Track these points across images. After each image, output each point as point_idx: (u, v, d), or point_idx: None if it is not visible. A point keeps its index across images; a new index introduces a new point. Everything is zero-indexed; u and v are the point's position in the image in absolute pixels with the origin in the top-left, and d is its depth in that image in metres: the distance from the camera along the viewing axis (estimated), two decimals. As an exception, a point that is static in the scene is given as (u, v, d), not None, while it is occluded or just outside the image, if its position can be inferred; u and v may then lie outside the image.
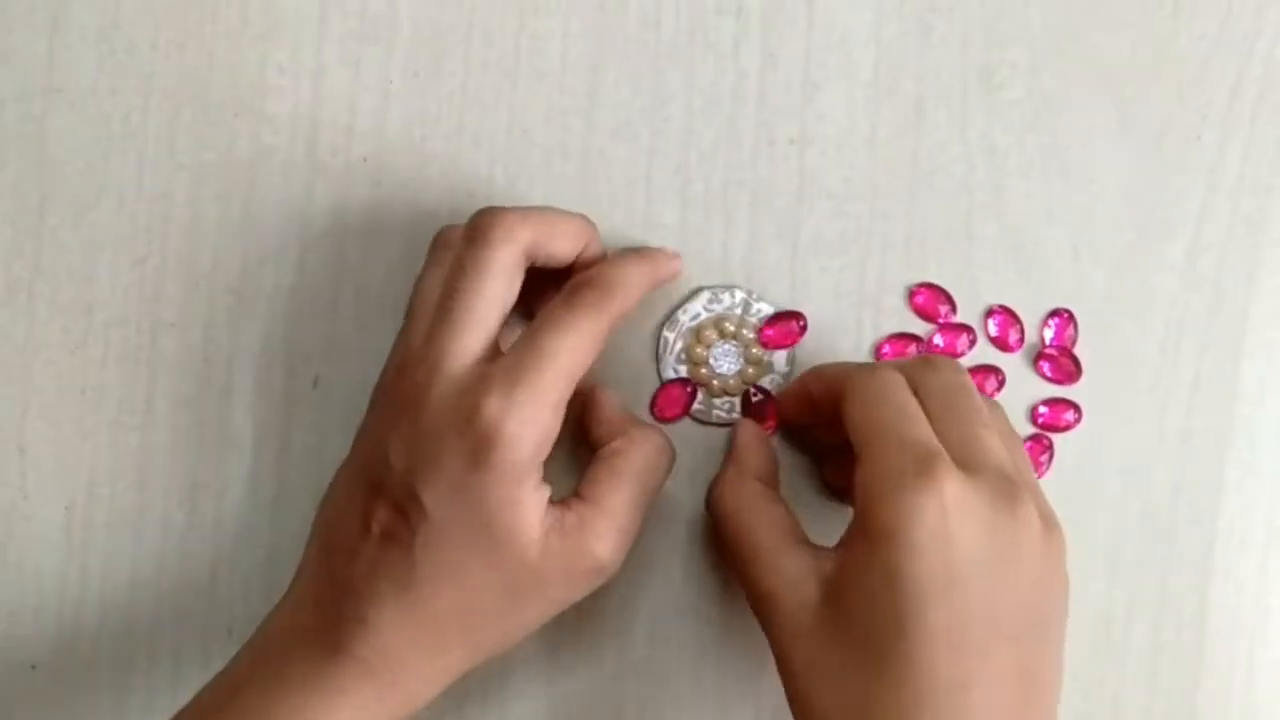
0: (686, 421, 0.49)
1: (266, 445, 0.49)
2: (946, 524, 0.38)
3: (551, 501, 0.42)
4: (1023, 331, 0.49)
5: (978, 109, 0.49)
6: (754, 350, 0.49)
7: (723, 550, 0.46)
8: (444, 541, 0.40)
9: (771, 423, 0.48)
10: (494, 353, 0.42)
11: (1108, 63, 0.49)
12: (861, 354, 0.49)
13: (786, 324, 0.49)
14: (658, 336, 0.49)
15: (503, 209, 0.43)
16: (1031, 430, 0.49)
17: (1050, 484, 0.47)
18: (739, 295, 0.49)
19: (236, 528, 0.49)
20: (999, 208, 0.49)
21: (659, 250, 0.47)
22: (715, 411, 0.49)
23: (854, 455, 0.41)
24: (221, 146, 0.49)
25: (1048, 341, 0.49)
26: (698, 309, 0.49)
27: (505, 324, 0.43)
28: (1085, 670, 0.49)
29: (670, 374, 0.49)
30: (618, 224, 0.49)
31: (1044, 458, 0.49)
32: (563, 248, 0.44)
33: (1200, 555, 0.49)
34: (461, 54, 0.49)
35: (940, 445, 0.40)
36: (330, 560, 0.42)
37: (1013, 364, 0.49)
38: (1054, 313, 0.49)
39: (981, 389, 0.49)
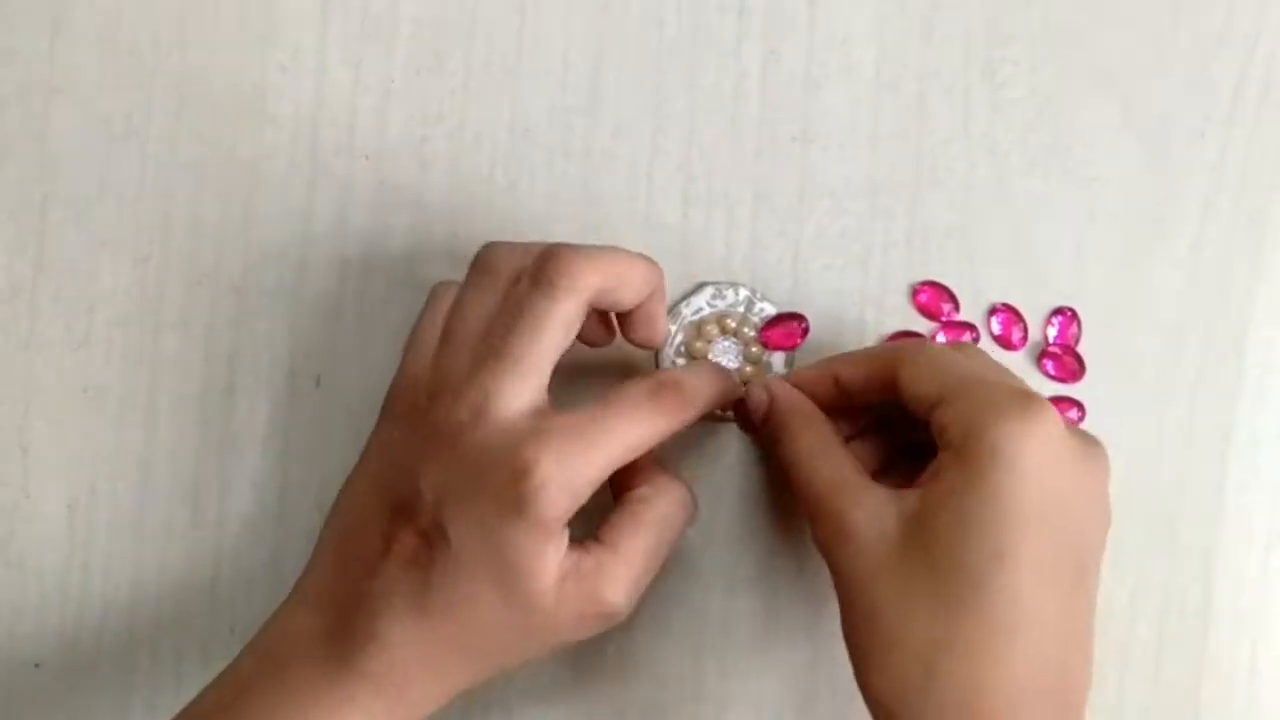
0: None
1: (269, 444, 0.49)
2: (1049, 454, 0.39)
3: (571, 541, 0.41)
4: (1026, 330, 0.49)
5: (980, 107, 0.49)
6: (753, 349, 0.49)
7: (793, 495, 0.45)
8: (463, 575, 0.40)
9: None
10: (542, 399, 0.42)
11: (1110, 61, 0.49)
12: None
13: (789, 325, 0.49)
14: None
15: (574, 252, 0.42)
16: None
17: (1052, 482, 0.47)
18: (743, 293, 0.49)
19: (239, 527, 0.49)
20: (1002, 206, 0.49)
21: (732, 374, 0.47)
22: (715, 410, 0.49)
23: (894, 428, 0.42)
24: (223, 146, 0.49)
25: (1051, 340, 0.49)
26: (701, 303, 0.49)
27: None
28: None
29: (668, 365, 0.49)
30: (620, 222, 0.49)
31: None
32: (628, 296, 0.43)
33: (1203, 552, 0.49)
34: (463, 52, 0.49)
35: None
36: (346, 569, 0.42)
37: (1016, 362, 0.49)
38: (1057, 311, 0.49)
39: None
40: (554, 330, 0.41)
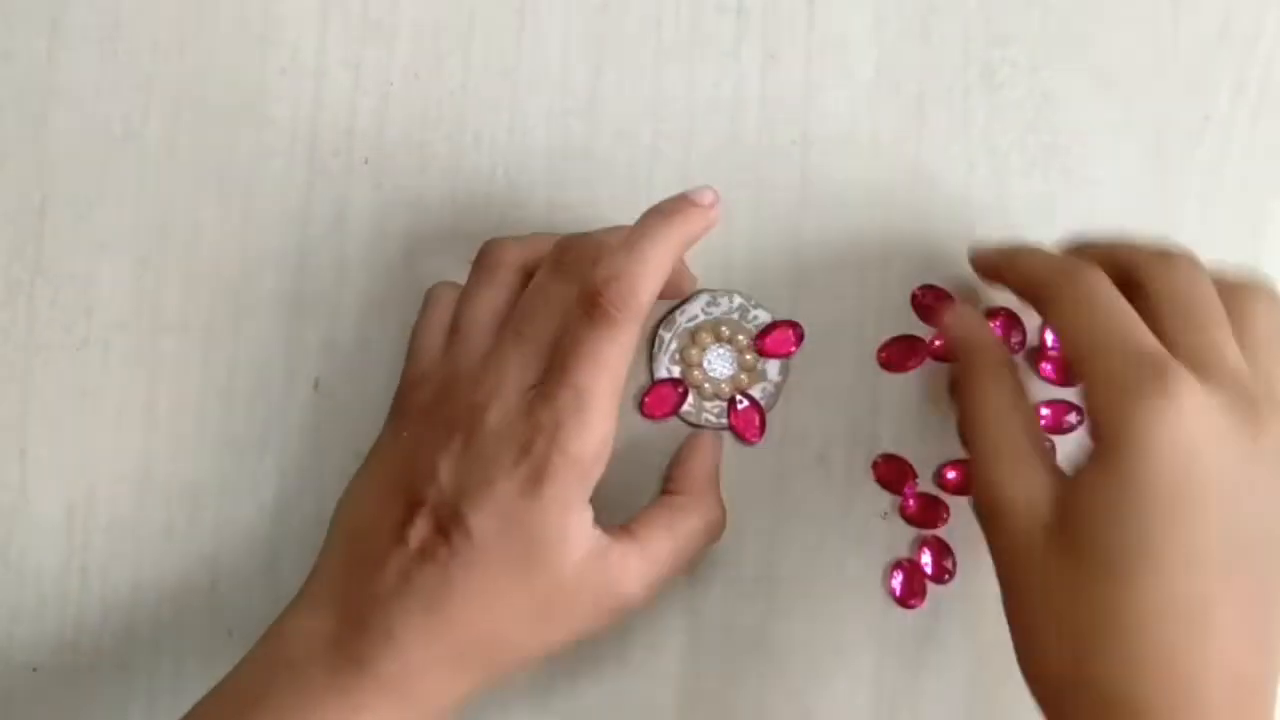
0: (674, 422, 0.49)
1: (267, 447, 0.49)
2: (1184, 433, 0.37)
3: (601, 526, 0.42)
4: (1024, 333, 0.49)
5: (979, 108, 0.49)
6: (748, 356, 0.49)
7: (965, 444, 0.45)
8: (484, 563, 0.40)
9: (754, 433, 0.48)
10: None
11: (1109, 62, 0.49)
12: (863, 355, 0.49)
13: (783, 333, 0.49)
14: (653, 335, 0.49)
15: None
16: (1034, 430, 0.49)
17: (1053, 483, 0.47)
18: (737, 300, 0.49)
19: (237, 530, 0.49)
20: (1000, 208, 0.49)
21: (683, 200, 0.42)
22: (705, 415, 0.49)
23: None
24: (222, 148, 0.49)
25: (1049, 343, 0.49)
26: (695, 311, 0.48)
27: None
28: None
29: (663, 373, 0.49)
30: (618, 224, 0.49)
31: (1047, 457, 0.49)
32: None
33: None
34: (462, 55, 0.49)
35: (1168, 352, 0.38)
36: (357, 570, 0.42)
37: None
38: (1056, 312, 0.49)
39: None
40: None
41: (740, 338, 0.48)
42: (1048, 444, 0.47)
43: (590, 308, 0.41)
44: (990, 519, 0.41)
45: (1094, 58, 0.49)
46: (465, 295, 0.44)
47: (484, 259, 0.45)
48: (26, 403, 0.49)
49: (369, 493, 0.44)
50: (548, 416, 0.40)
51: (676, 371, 0.48)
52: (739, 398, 0.48)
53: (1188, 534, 0.37)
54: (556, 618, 0.41)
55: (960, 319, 0.45)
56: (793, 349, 0.49)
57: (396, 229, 0.49)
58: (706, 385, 0.48)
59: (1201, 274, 0.41)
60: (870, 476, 0.49)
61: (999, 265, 0.45)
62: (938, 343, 0.49)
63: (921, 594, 0.49)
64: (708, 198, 0.42)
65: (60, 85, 0.49)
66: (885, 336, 0.49)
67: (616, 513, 0.43)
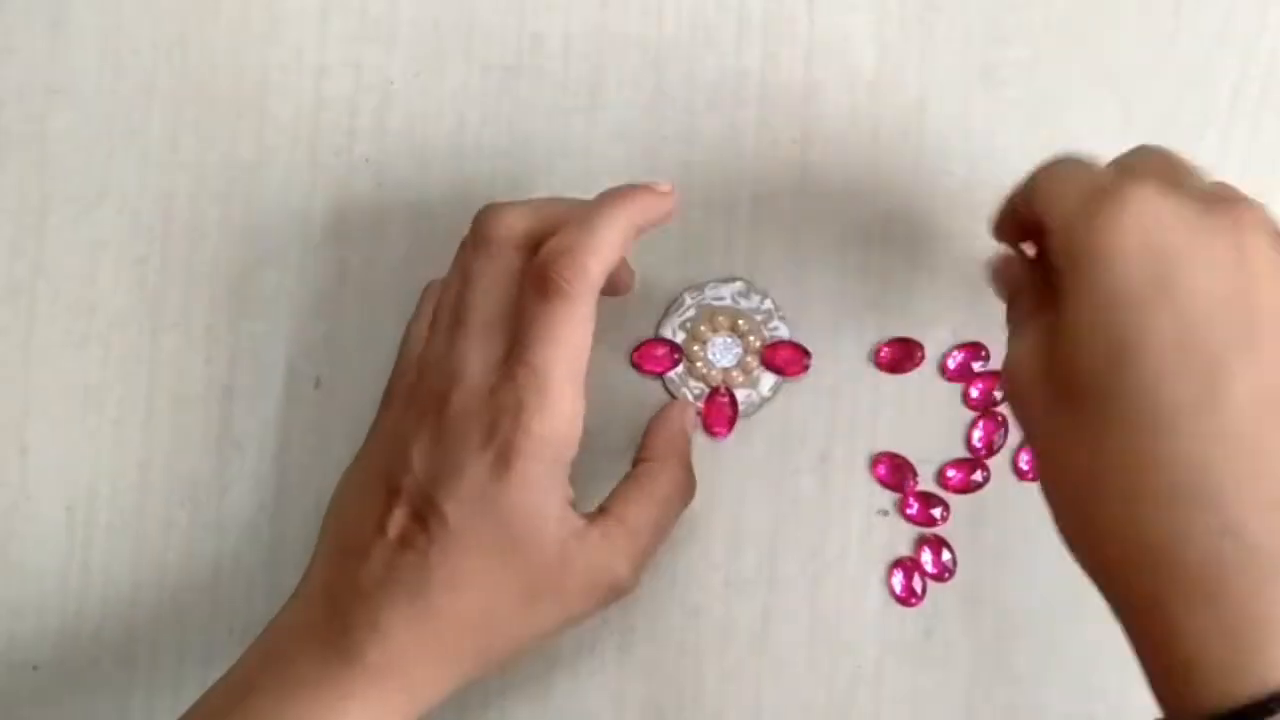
0: (655, 384, 0.49)
1: (268, 446, 0.49)
2: (1145, 229, 0.35)
3: (578, 512, 0.42)
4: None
5: (979, 107, 0.49)
6: (750, 359, 0.49)
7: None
8: (462, 548, 0.40)
9: (722, 429, 0.49)
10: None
11: (1110, 61, 0.49)
12: (862, 356, 0.49)
13: (794, 354, 0.48)
14: (677, 294, 0.49)
15: (502, 206, 0.43)
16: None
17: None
18: (766, 304, 0.48)
19: (238, 528, 0.49)
20: (1001, 207, 0.49)
21: (642, 188, 0.43)
22: (684, 390, 0.49)
23: None
24: (223, 146, 0.49)
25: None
26: (725, 294, 0.48)
27: None
28: (1087, 668, 0.48)
29: (666, 332, 0.48)
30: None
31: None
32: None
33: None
34: (463, 53, 0.49)
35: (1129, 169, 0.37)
36: (343, 561, 0.42)
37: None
38: (1056, 312, 0.49)
39: (982, 387, 0.49)
40: (500, 285, 0.42)
41: (752, 339, 0.48)
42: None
43: (542, 283, 0.40)
44: (1006, 392, 0.40)
45: (1094, 58, 0.49)
46: (445, 280, 0.44)
47: (472, 234, 0.44)
48: (27, 402, 0.49)
49: (355, 484, 0.44)
50: (509, 397, 0.40)
51: (679, 338, 0.48)
52: (721, 391, 0.48)
53: (1166, 332, 0.35)
54: (543, 601, 0.41)
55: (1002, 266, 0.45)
56: (798, 373, 0.49)
57: (397, 228, 0.49)
58: (700, 365, 0.48)
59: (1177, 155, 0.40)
60: (870, 476, 0.49)
61: (1008, 214, 0.43)
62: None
63: (921, 593, 0.49)
64: (664, 187, 0.43)
65: (61, 83, 0.49)
66: (885, 337, 0.49)
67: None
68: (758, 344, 0.49)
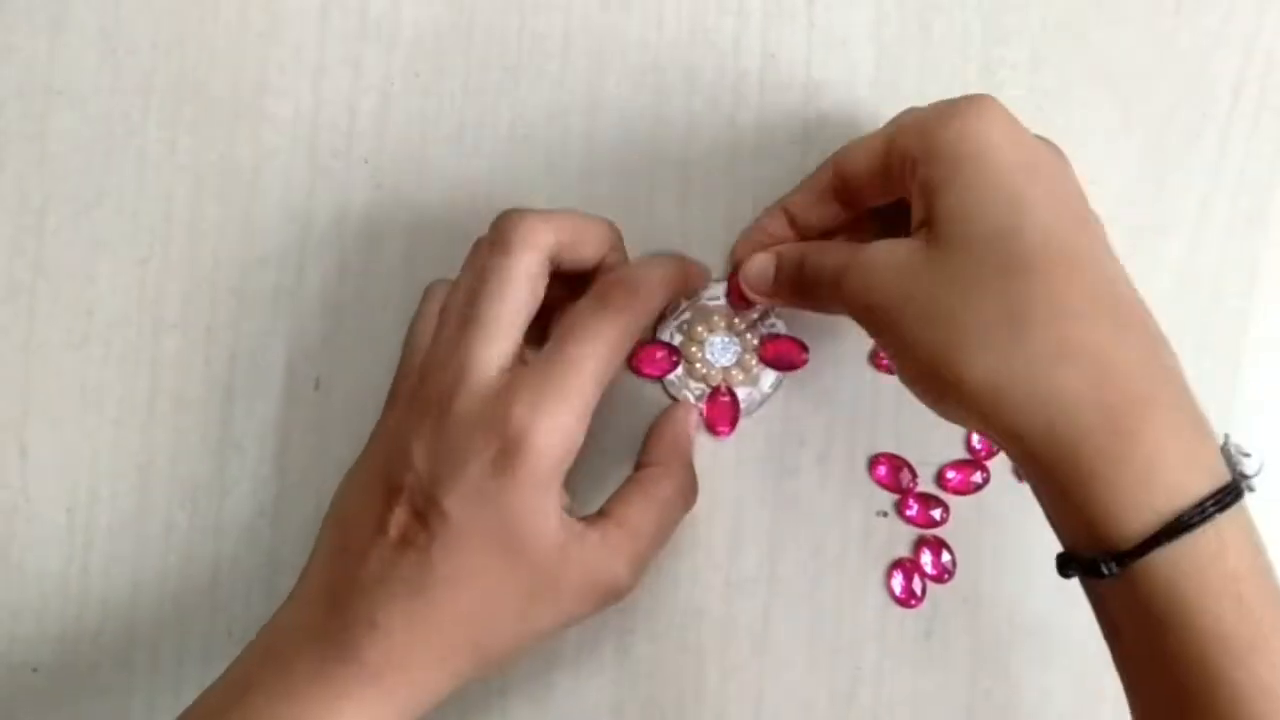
0: (654, 388, 0.49)
1: (268, 447, 0.49)
2: (1007, 126, 0.40)
3: (577, 516, 0.42)
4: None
5: (979, 108, 0.49)
6: (749, 358, 0.49)
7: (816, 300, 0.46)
8: (462, 546, 0.40)
9: (725, 428, 0.49)
10: (519, 359, 0.42)
11: (1109, 60, 0.49)
12: (861, 357, 0.49)
13: (792, 349, 0.49)
14: None
15: (525, 212, 0.43)
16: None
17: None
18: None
19: (238, 529, 0.49)
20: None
21: (690, 260, 0.48)
22: (685, 391, 0.49)
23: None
24: (222, 146, 0.49)
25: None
26: (718, 293, 0.48)
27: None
28: (1085, 671, 0.49)
29: (665, 336, 0.49)
30: (619, 223, 0.49)
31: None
32: (588, 253, 0.44)
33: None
34: (462, 53, 0.49)
35: None
36: (342, 559, 0.42)
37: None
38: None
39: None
40: (515, 286, 0.42)
41: (750, 336, 0.49)
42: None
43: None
44: (857, 295, 0.42)
45: (1094, 57, 0.49)
46: (455, 279, 0.44)
47: (492, 235, 0.44)
48: (27, 402, 0.49)
49: (356, 483, 0.44)
50: (512, 397, 0.40)
51: (677, 340, 0.49)
52: (722, 390, 0.48)
53: (1043, 195, 0.39)
54: (542, 601, 0.41)
55: (756, 264, 0.47)
56: (795, 367, 0.49)
57: (396, 229, 0.49)
58: (699, 365, 0.48)
59: None
60: (870, 476, 0.49)
61: (836, 182, 0.46)
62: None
63: (921, 594, 0.49)
64: (695, 269, 0.48)
65: (61, 83, 0.49)
66: (885, 336, 0.49)
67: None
68: (755, 341, 0.49)
